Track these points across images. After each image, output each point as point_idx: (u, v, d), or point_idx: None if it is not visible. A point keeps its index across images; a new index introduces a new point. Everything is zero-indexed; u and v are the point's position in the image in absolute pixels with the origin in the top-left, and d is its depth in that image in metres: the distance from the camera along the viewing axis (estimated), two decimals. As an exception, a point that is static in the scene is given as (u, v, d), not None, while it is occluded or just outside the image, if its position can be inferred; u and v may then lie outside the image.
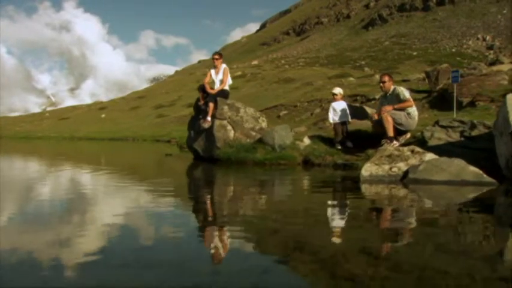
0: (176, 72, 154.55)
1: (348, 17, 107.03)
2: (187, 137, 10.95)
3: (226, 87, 10.24)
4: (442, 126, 6.72)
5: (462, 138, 6.34)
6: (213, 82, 10.25)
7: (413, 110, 8.17)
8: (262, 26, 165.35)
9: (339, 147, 8.97)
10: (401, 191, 5.17)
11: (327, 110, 39.40)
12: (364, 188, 5.38)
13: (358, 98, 35.08)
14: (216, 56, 10.32)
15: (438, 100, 26.48)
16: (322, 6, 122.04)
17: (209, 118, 9.71)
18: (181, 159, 11.68)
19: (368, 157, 7.53)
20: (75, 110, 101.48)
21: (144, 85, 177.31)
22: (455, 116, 20.58)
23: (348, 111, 9.53)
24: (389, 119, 7.91)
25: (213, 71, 10.37)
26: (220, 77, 10.18)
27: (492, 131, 5.73)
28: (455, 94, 22.16)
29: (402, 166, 5.29)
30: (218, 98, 9.89)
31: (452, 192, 5.04)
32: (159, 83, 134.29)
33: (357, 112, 20.32)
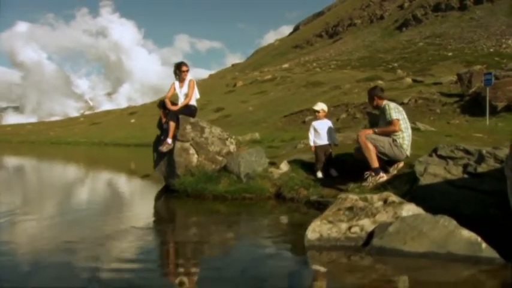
0: (210, 76, 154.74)
1: (382, 18, 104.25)
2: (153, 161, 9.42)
3: (193, 103, 8.75)
4: (441, 157, 5.06)
5: (465, 175, 4.69)
6: (178, 97, 8.74)
7: (402, 137, 6.48)
8: (295, 29, 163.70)
9: (320, 176, 7.37)
10: (352, 273, 3.46)
11: (353, 115, 37.55)
12: (310, 258, 3.72)
13: (385, 102, 33.34)
14: (185, 68, 8.68)
15: (470, 104, 24.50)
16: (356, 7, 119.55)
17: (170, 140, 8.23)
18: (150, 184, 10.12)
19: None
20: (108, 114, 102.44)
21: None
22: (487, 122, 18.68)
23: (333, 131, 7.84)
24: (370, 146, 6.32)
25: (177, 83, 8.79)
26: (185, 91, 8.65)
27: (504, 169, 4.12)
28: (488, 98, 20.24)
29: (367, 225, 3.66)
30: (181, 116, 8.38)
31: (425, 278, 3.35)
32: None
33: (376, 120, 18.61)
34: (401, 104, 31.28)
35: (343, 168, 7.37)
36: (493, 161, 4.57)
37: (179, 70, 8.66)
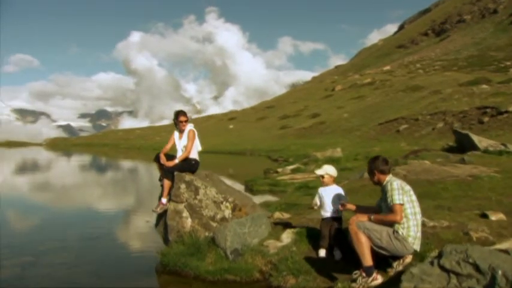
0: (313, 78, 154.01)
1: (495, 12, 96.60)
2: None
3: (194, 156, 7.58)
4: (443, 269, 3.67)
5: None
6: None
7: (406, 227, 4.91)
8: (400, 28, 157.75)
9: (323, 255, 5.80)
10: None
11: (451, 125, 34.46)
12: None
13: (487, 110, 30.31)
14: (182, 118, 7.58)
15: None
16: (465, 2, 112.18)
17: (164, 200, 7.28)
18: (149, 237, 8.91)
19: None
20: (209, 119, 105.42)
21: (284, 91, 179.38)
22: None
23: (345, 199, 6.03)
24: (362, 239, 4.83)
25: (176, 134, 7.68)
26: (183, 143, 7.52)
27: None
28: None
29: None
30: (176, 173, 7.31)
31: None
32: (289, 91, 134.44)
33: (462, 140, 16.63)
34: (506, 112, 28.22)
35: (350, 247, 5.41)
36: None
37: (177, 120, 7.58)
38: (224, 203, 6.81)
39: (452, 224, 5.64)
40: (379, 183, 5.08)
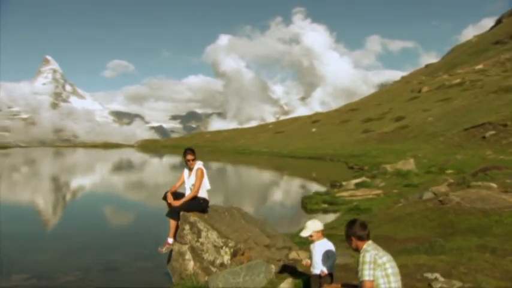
0: (402, 77, 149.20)
1: None
2: None
3: (203, 195, 7.32)
4: None
5: None
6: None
7: None
8: (498, 22, 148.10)
9: None
10: None
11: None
12: None
13: None
14: (190, 156, 7.38)
15: None
16: None
17: (170, 240, 7.22)
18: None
19: None
20: (294, 122, 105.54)
21: (372, 91, 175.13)
22: None
23: (332, 257, 5.49)
24: None
25: (186, 172, 7.49)
26: (192, 181, 7.31)
27: None
28: None
29: None
30: (181, 213, 7.13)
31: None
32: (375, 93, 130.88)
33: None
34: None
35: None
36: None
37: (184, 158, 7.41)
38: (224, 248, 6.58)
39: (467, 285, 5.10)
40: (357, 249, 4.69)
